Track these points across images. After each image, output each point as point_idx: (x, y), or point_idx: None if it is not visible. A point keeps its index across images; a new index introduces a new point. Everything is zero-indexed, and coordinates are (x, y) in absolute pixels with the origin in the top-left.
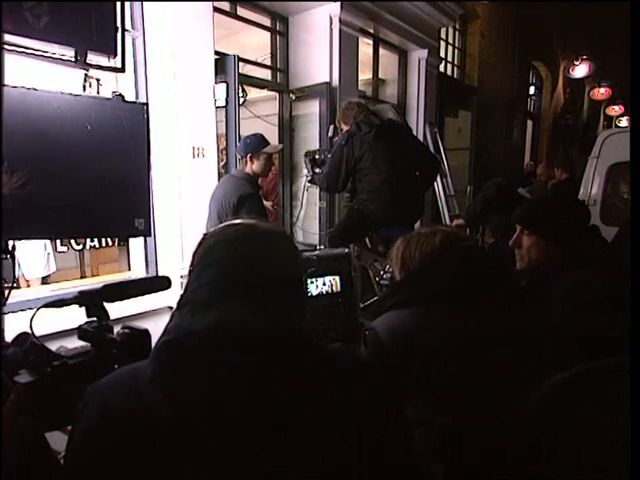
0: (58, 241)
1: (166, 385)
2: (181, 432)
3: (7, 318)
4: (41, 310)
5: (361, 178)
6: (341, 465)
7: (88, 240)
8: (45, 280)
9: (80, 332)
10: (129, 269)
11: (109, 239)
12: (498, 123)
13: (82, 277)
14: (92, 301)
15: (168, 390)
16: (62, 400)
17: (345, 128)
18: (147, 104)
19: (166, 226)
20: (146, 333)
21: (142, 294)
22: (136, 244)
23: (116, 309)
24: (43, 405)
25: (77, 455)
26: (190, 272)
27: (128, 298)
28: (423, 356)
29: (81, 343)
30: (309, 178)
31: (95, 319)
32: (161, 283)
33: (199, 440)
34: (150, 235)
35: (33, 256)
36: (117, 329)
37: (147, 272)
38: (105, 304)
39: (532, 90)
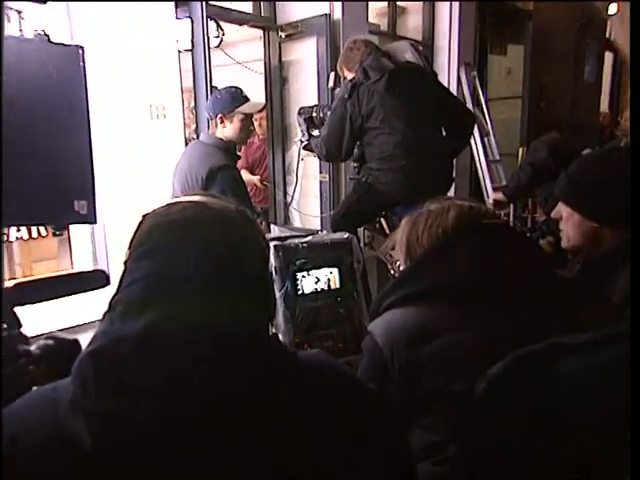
0: None
1: (89, 407)
2: (108, 469)
3: None
4: None
5: (370, 141)
6: None
7: (13, 230)
8: None
9: None
10: (72, 267)
11: (41, 228)
12: (562, 59)
13: (12, 278)
14: None
15: (92, 414)
16: None
17: (349, 76)
18: (83, 47)
19: (118, 210)
20: (75, 344)
21: (67, 294)
22: (80, 234)
23: (54, 319)
24: None
25: None
26: (125, 263)
27: (48, 299)
28: (431, 365)
29: None
30: (304, 143)
31: (5, 326)
32: (93, 279)
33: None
34: (95, 222)
35: None
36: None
37: (95, 267)
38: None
39: (612, 8)
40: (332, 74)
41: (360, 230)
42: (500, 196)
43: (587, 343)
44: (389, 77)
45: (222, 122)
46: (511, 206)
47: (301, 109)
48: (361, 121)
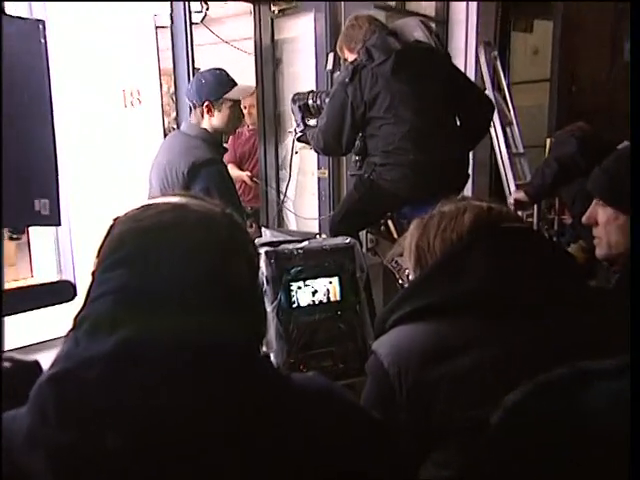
0: None
1: (49, 440)
2: None
3: None
4: None
5: (374, 132)
6: None
7: None
8: None
9: None
10: (32, 276)
11: None
12: (598, 35)
13: None
14: None
15: (52, 448)
16: None
17: (350, 57)
18: (44, 22)
19: (87, 211)
20: (35, 367)
21: (27, 309)
22: (41, 238)
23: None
24: None
25: None
26: (93, 274)
27: (6, 315)
28: (444, 389)
29: None
30: (299, 135)
31: None
32: (58, 291)
33: None
34: (59, 224)
35: None
36: None
37: (60, 277)
38: None
39: None
40: (331, 55)
41: (363, 233)
42: (522, 195)
43: (616, 369)
44: (396, 59)
45: (209, 111)
46: (535, 206)
47: (295, 95)
48: (364, 109)
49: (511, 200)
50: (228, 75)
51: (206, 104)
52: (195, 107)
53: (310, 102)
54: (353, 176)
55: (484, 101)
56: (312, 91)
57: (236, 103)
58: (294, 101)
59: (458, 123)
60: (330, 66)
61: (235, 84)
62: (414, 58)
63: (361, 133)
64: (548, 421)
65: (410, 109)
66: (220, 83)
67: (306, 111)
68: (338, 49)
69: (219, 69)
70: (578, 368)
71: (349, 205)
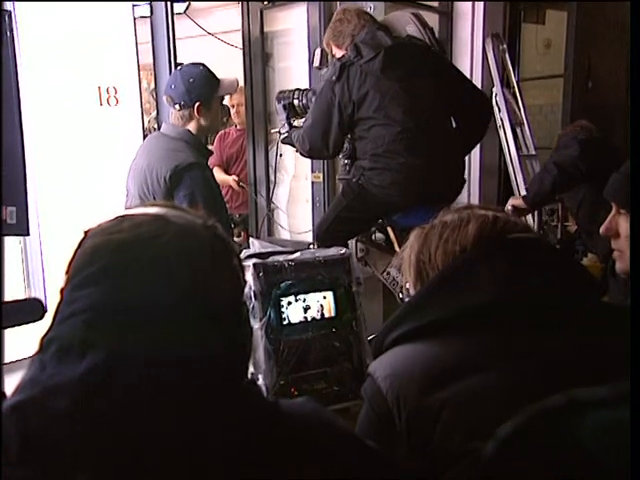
0: None
1: (10, 479)
2: None
3: None
4: None
5: (363, 134)
6: None
7: None
8: None
9: None
10: None
11: None
12: (615, 27)
13: None
14: None
15: None
16: None
17: (338, 54)
18: (10, 13)
19: (58, 219)
20: None
21: None
22: (7, 250)
23: None
24: None
25: None
26: (62, 291)
27: None
28: (447, 416)
29: None
30: (283, 135)
31: None
32: (26, 310)
33: None
34: (28, 234)
35: None
36: None
37: (28, 294)
38: None
39: None
40: (318, 51)
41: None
42: (519, 202)
43: (614, 397)
44: (386, 55)
45: (199, 112)
46: (536, 213)
47: (280, 94)
48: (352, 109)
49: (508, 207)
50: (209, 69)
51: (197, 105)
52: (181, 108)
53: (296, 101)
54: (341, 180)
55: (482, 101)
56: (298, 89)
57: (221, 100)
58: (278, 100)
59: (454, 125)
60: (317, 63)
61: (218, 80)
62: (405, 55)
63: (350, 135)
64: (541, 453)
65: (401, 109)
66: (210, 80)
67: (291, 111)
68: (325, 45)
69: (200, 64)
70: (572, 397)
71: (337, 212)
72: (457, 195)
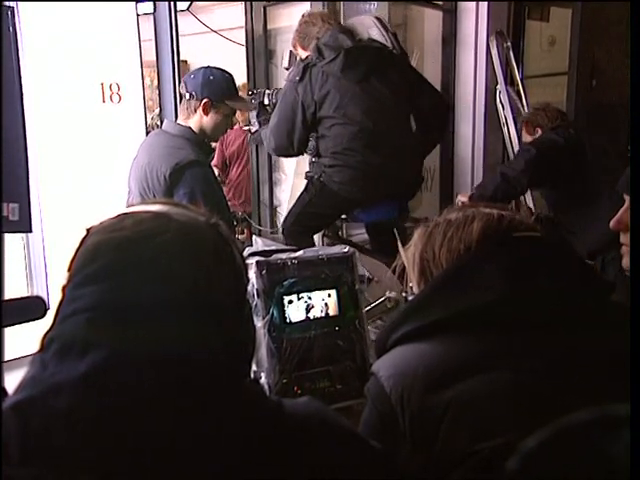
0: None
1: (11, 478)
2: None
3: None
4: None
5: (324, 133)
6: None
7: None
8: None
9: None
10: None
11: None
12: (621, 24)
13: None
14: None
15: None
16: None
17: (304, 55)
18: (13, 8)
19: (60, 216)
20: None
21: None
22: (10, 248)
23: None
24: None
25: None
26: (64, 289)
27: None
28: (452, 416)
29: None
30: (254, 133)
31: None
32: (28, 308)
33: None
34: (30, 231)
35: None
36: None
37: (30, 291)
38: None
39: None
40: (287, 52)
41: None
42: (466, 200)
43: None
44: (345, 57)
45: (204, 110)
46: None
47: (251, 92)
48: (314, 108)
49: (457, 200)
50: (234, 81)
51: (205, 101)
52: (190, 99)
53: (266, 100)
54: (306, 178)
55: (440, 103)
56: (268, 88)
57: (232, 113)
58: (251, 98)
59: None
60: (286, 63)
61: (237, 92)
62: (365, 56)
63: (315, 134)
64: (567, 471)
65: (359, 109)
66: (228, 87)
67: (262, 109)
68: (292, 46)
69: (228, 72)
70: (602, 413)
71: (301, 208)
72: (415, 193)
